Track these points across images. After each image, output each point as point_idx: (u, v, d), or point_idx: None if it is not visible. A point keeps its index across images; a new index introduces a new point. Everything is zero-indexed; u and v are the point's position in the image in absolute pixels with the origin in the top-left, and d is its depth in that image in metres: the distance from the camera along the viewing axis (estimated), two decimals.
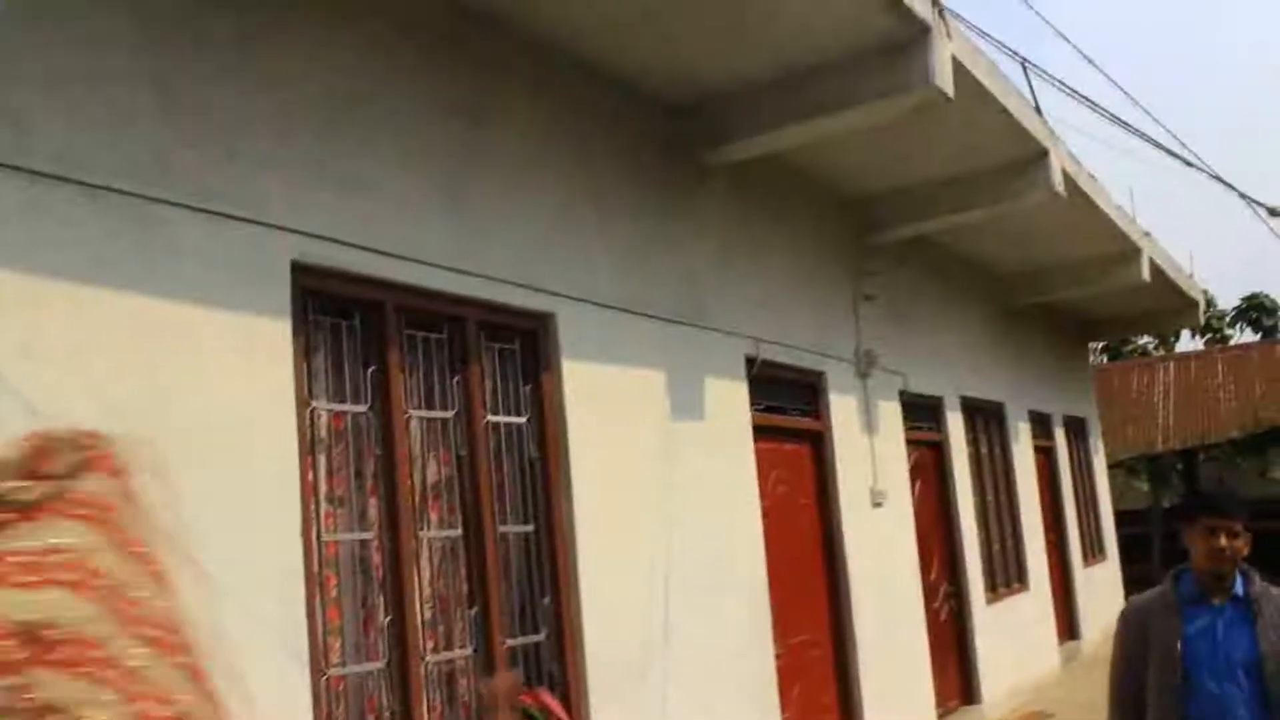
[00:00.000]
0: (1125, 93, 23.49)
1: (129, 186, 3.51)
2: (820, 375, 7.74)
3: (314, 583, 3.99)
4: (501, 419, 5.06)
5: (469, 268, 4.84)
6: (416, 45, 4.83)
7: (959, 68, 6.20)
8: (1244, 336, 32.12)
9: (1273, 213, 10.00)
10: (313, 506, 4.08)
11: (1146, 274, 11.73)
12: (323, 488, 4.20)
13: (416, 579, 4.46)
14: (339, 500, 4.28)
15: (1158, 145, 9.87)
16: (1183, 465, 25.23)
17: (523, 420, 5.17)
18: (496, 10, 5.17)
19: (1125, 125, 9.91)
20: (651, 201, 6.22)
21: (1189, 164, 9.87)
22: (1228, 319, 32.84)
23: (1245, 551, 3.79)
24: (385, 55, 4.66)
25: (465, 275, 4.82)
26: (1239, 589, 3.77)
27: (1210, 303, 29.94)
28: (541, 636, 5.06)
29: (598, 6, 5.27)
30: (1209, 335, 32.25)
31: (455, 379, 4.86)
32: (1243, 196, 10.17)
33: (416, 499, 4.57)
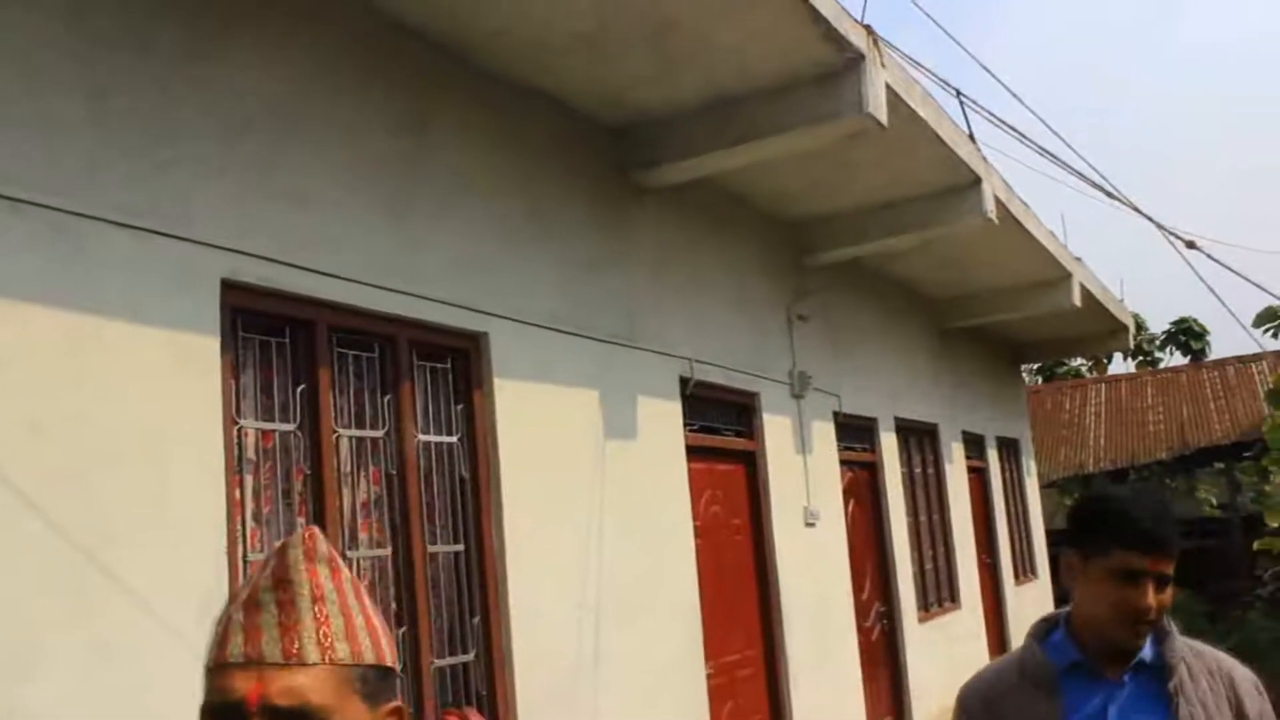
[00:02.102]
0: (1050, 128, 23.89)
1: (57, 200, 3.48)
2: (754, 396, 7.80)
3: None
4: (433, 438, 5.06)
5: (402, 287, 4.84)
6: (358, 63, 4.83)
7: (893, 96, 6.30)
8: (1173, 359, 32.77)
9: (1190, 245, 10.25)
10: (239, 525, 4.06)
11: (1077, 298, 11.96)
12: (249, 506, 4.18)
13: None
14: (266, 519, 4.26)
15: (1082, 178, 10.08)
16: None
17: (454, 439, 5.17)
18: (437, 31, 5.20)
19: (1053, 157, 10.10)
20: (588, 222, 6.26)
21: (1111, 196, 10.07)
22: (1158, 342, 33.48)
23: (1170, 604, 2.39)
24: (326, 73, 4.66)
25: (399, 295, 4.82)
26: (1147, 652, 2.41)
27: (1141, 326, 30.55)
28: (470, 656, 5.06)
29: (533, 31, 5.31)
30: (1140, 358, 32.85)
31: (386, 398, 4.85)
32: (1160, 228, 10.42)
33: (345, 518, 4.56)
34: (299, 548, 1.32)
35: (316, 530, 1.36)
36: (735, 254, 7.92)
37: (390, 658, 1.36)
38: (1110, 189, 10.71)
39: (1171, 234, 10.43)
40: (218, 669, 1.27)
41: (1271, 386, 5.46)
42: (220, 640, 1.29)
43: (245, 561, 4.08)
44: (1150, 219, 10.31)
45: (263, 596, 1.28)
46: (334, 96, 4.68)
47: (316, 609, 1.28)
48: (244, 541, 4.10)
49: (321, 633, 1.27)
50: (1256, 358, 22.46)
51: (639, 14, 5.24)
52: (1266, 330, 6.47)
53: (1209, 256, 11.28)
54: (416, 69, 5.16)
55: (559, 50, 5.54)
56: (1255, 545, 10.17)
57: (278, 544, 1.32)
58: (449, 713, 1.81)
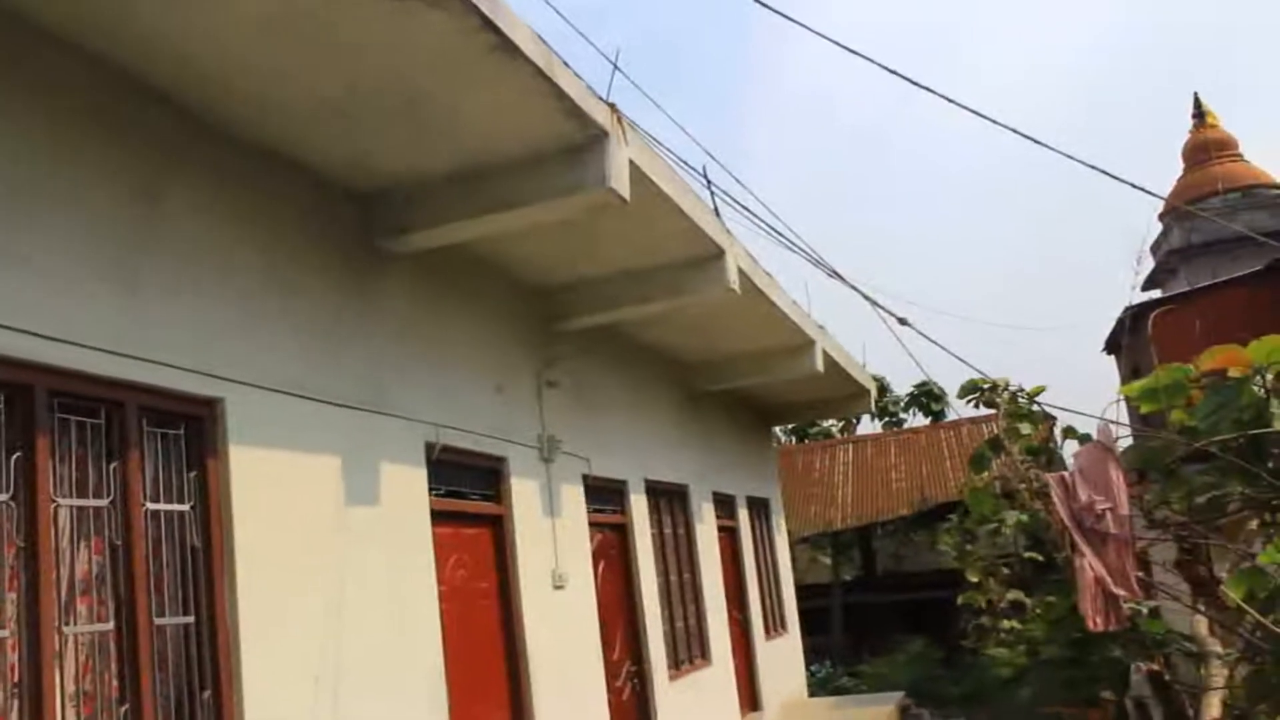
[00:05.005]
0: (774, 213, 25.08)
1: None
2: (502, 460, 7.89)
3: None
4: (162, 507, 4.92)
5: (133, 351, 4.73)
6: (97, 126, 4.75)
7: (636, 171, 6.56)
8: (916, 420, 34.67)
9: (902, 322, 11.02)
10: None
11: (820, 365, 12.58)
12: None
13: (58, 678, 4.25)
14: None
15: (807, 256, 10.72)
16: (860, 541, 26.96)
17: (186, 508, 5.04)
18: (178, 94, 5.15)
19: (780, 238, 10.70)
20: (334, 287, 6.24)
21: (834, 274, 10.74)
22: (902, 404, 35.37)
23: None
24: (62, 134, 4.57)
25: (128, 359, 4.70)
26: None
27: (885, 389, 32.29)
28: None
29: (281, 98, 5.33)
30: (886, 419, 34.65)
31: (112, 465, 4.70)
32: (875, 306, 11.16)
33: (62, 592, 4.37)
34: None
35: None
36: (484, 320, 8.03)
37: None
38: (830, 269, 11.39)
39: (886, 311, 11.20)
40: None
41: (973, 452, 5.93)
42: None
43: None
44: (867, 297, 11.03)
45: None
46: (71, 159, 4.59)
47: None
48: None
49: None
50: (987, 419, 24.04)
51: (387, 83, 5.32)
52: (969, 401, 7.05)
53: (919, 332, 12.14)
54: (154, 135, 5.08)
55: (306, 117, 5.56)
56: (959, 599, 10.91)
57: None
58: None
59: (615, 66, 6.50)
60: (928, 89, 7.14)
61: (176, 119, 5.22)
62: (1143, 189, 14.47)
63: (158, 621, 4.78)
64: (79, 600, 4.47)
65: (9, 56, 4.36)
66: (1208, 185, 26.82)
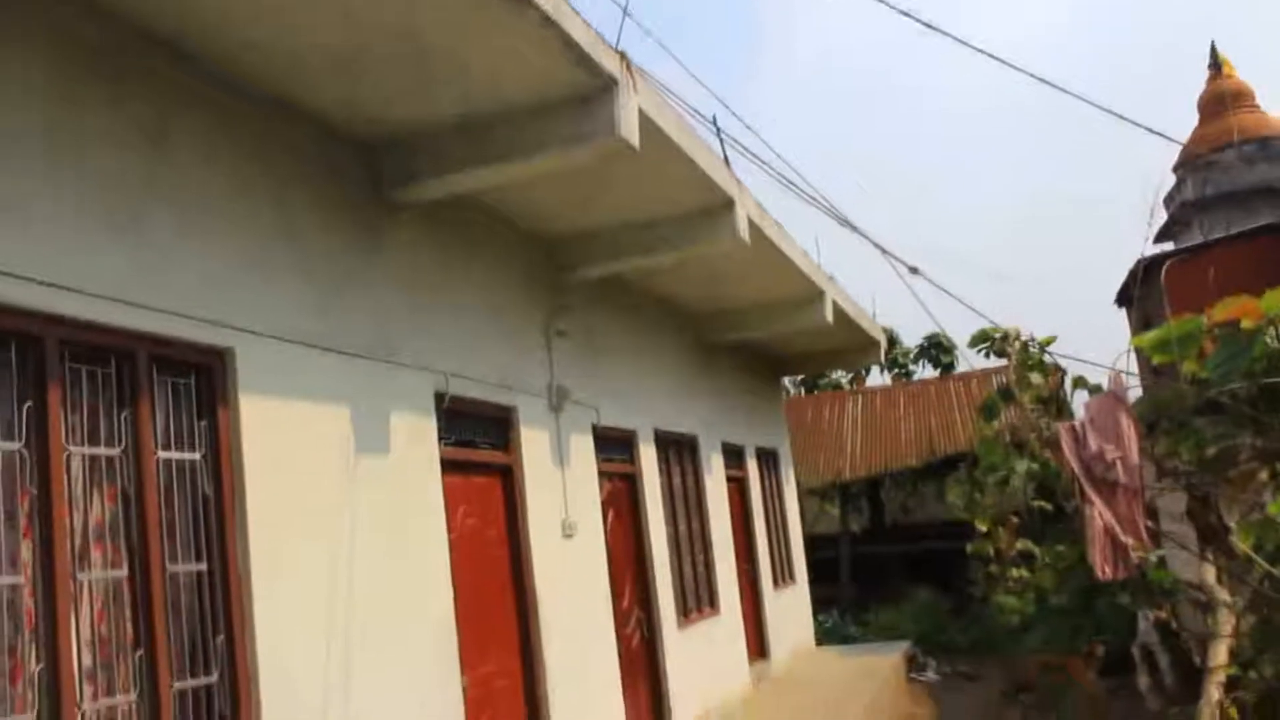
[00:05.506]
0: (790, 165, 24.73)
1: None
2: (511, 410, 7.90)
3: None
4: (174, 455, 4.95)
5: (143, 300, 4.73)
6: (104, 73, 4.72)
7: (646, 120, 6.52)
8: (926, 372, 34.64)
9: (913, 270, 10.97)
10: None
11: (830, 315, 12.55)
12: None
13: (74, 623, 4.30)
14: None
15: (818, 205, 10.65)
16: (868, 492, 27.03)
17: (197, 456, 5.06)
18: (186, 42, 5.12)
19: (794, 188, 10.63)
20: (342, 237, 6.23)
21: (845, 223, 10.68)
22: (911, 356, 35.32)
23: None
24: (69, 82, 4.54)
25: (138, 308, 4.70)
26: None
27: (894, 341, 32.20)
28: (214, 678, 4.95)
29: (288, 46, 5.29)
30: (895, 370, 34.61)
31: (124, 414, 4.72)
32: (886, 254, 11.09)
33: (76, 539, 4.41)
34: None
35: None
36: (493, 270, 8.01)
37: None
38: (841, 217, 11.31)
39: (896, 259, 11.14)
40: None
41: (983, 401, 5.91)
42: None
43: None
44: (877, 245, 10.95)
45: None
46: (77, 107, 4.57)
47: None
48: None
49: None
50: (997, 371, 23.99)
51: (394, 30, 5.27)
52: (980, 350, 7.01)
53: (930, 281, 12.09)
54: (160, 82, 5.05)
55: (312, 65, 5.53)
56: (968, 549, 10.94)
57: None
58: None
59: (625, 12, 6.43)
60: (943, 32, 7.04)
61: (183, 66, 5.19)
62: (1157, 132, 14.25)
63: (170, 568, 4.83)
64: (93, 547, 4.51)
65: (11, 5, 4.33)
66: (1224, 136, 26.48)
